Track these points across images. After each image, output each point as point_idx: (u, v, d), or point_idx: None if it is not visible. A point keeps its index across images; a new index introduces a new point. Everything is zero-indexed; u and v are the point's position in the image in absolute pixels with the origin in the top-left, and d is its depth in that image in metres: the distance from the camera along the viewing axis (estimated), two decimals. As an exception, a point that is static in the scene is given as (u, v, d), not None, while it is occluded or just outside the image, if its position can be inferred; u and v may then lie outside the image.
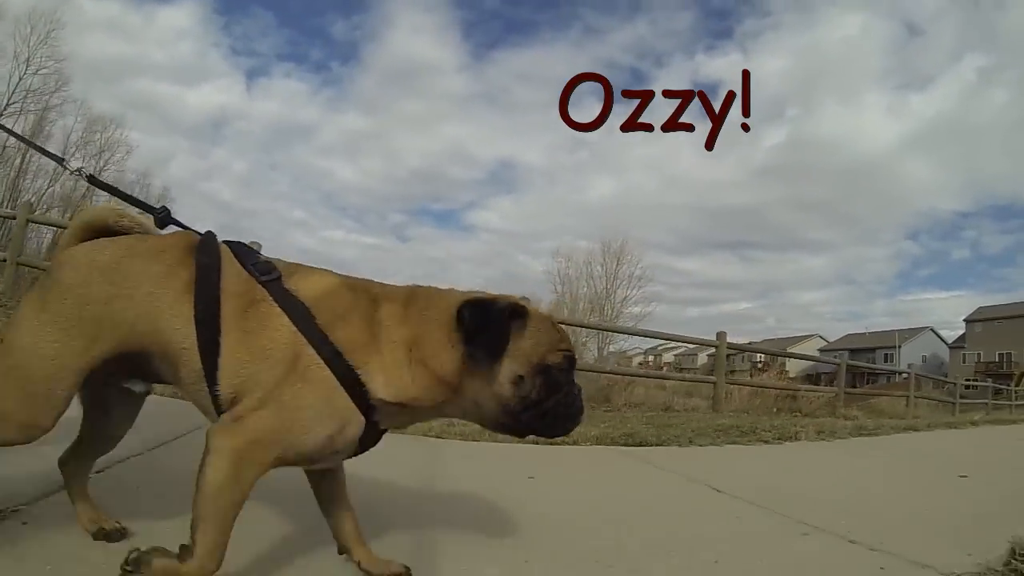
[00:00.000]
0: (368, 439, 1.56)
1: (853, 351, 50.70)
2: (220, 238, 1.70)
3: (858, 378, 39.51)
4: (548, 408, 1.52)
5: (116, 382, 1.68)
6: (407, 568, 1.74)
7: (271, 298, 1.55)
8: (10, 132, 2.35)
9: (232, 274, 1.58)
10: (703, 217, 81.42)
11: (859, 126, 78.42)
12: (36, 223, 10.29)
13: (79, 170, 1.90)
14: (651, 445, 4.48)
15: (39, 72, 25.75)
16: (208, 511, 1.38)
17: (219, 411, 1.49)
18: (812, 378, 47.44)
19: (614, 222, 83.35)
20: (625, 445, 4.41)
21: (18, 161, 25.09)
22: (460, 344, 1.50)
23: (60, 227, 8.38)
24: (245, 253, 1.65)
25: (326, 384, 1.47)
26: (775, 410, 9.37)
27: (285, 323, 1.50)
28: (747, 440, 4.95)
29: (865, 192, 77.09)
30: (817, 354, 44.23)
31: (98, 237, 1.68)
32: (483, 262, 63.20)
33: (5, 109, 24.45)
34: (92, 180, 1.93)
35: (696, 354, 66.15)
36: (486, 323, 1.51)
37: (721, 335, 9.50)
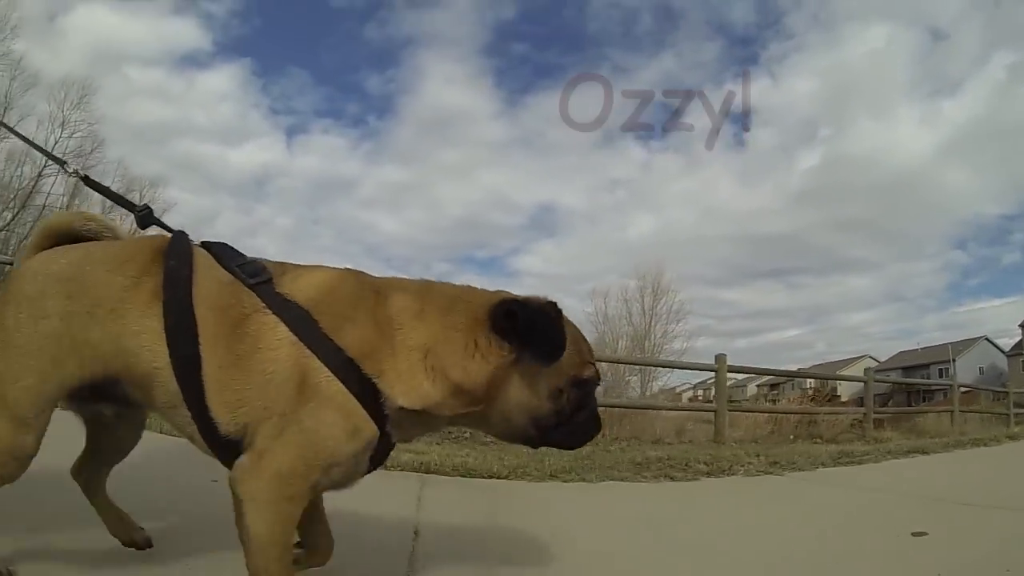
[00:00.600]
0: (380, 454, 1.42)
1: (906, 369, 48.26)
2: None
3: (913, 396, 37.40)
4: (578, 423, 1.44)
5: (88, 405, 1.54)
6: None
7: (263, 305, 1.37)
8: (12, 131, 2.53)
9: (211, 279, 1.41)
10: (744, 246, 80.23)
11: (893, 139, 76.53)
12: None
13: (75, 171, 1.86)
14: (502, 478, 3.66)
15: (74, 136, 27.16)
16: (262, 564, 1.29)
17: (211, 440, 1.37)
18: (860, 403, 45.43)
19: (655, 258, 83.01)
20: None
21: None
22: (494, 352, 1.36)
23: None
24: (229, 255, 1.45)
25: (342, 399, 1.32)
26: (791, 437, 8.52)
27: (283, 334, 1.34)
28: (679, 474, 4.16)
29: (906, 206, 74.82)
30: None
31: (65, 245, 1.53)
32: None
33: (43, 170, 25.79)
34: (87, 181, 1.83)
35: (746, 385, 64.43)
36: (540, 326, 1.37)
37: (720, 358, 8.60)
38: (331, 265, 1.52)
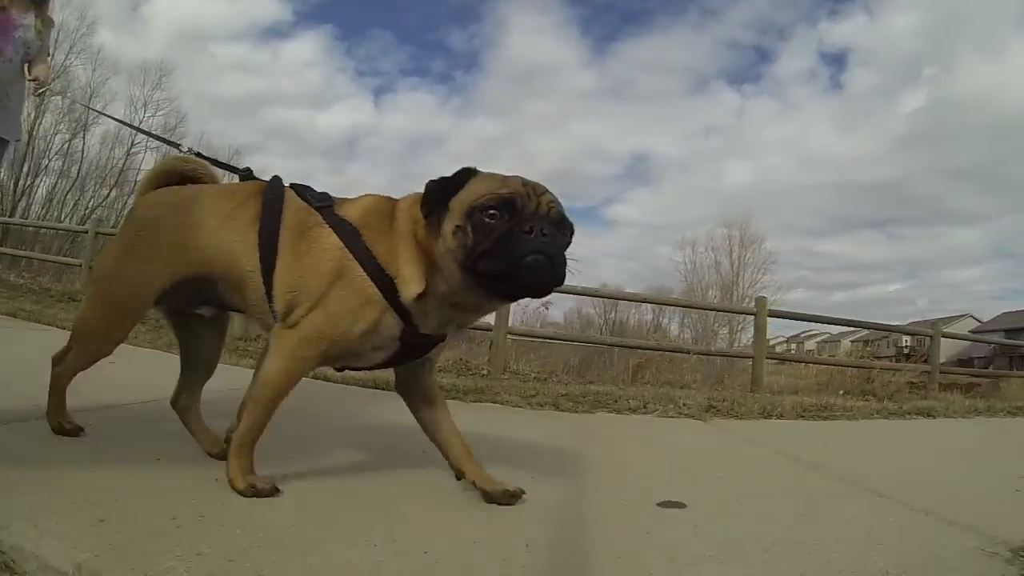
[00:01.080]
0: (412, 341, 1.74)
1: (1009, 331, 44.24)
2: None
3: (1016, 361, 34.55)
4: (486, 250, 1.54)
5: (189, 308, 1.97)
6: (521, 489, 1.85)
7: (323, 221, 1.75)
8: (121, 122, 3.86)
9: (292, 207, 1.81)
10: (844, 195, 76.48)
11: (1005, 77, 69.72)
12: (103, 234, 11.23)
13: (189, 149, 2.26)
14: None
15: (156, 114, 29.07)
16: (260, 394, 1.68)
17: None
18: (965, 362, 42.38)
19: (744, 206, 79.62)
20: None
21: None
22: (422, 225, 1.67)
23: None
24: (305, 189, 1.86)
25: (364, 291, 1.66)
26: (841, 392, 7.82)
27: (334, 242, 1.71)
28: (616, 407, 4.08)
29: (1019, 151, 68.18)
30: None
31: (169, 184, 2.01)
32: (625, 256, 62.46)
33: (131, 149, 28.12)
34: (199, 156, 2.20)
35: (839, 340, 61.29)
36: (434, 187, 1.66)
37: (760, 301, 8.08)
38: (373, 194, 1.88)
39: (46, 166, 26.45)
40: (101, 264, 1.92)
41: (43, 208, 26.58)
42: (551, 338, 8.88)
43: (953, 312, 54.10)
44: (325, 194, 1.86)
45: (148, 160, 28.41)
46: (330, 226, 1.74)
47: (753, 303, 8.84)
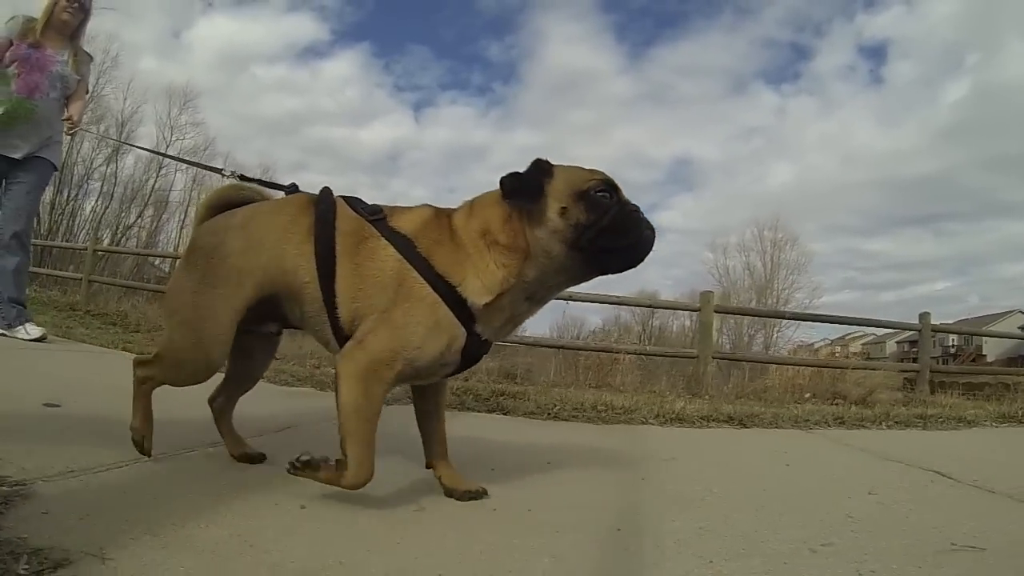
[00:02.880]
0: (472, 351, 1.75)
1: (1060, 326, 42.05)
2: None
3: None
4: (604, 226, 1.62)
5: (255, 328, 1.96)
6: (484, 489, 1.88)
7: (378, 234, 1.76)
8: (168, 156, 3.24)
9: (345, 217, 1.82)
10: (888, 192, 74.02)
11: (1053, 61, 66.23)
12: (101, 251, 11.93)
13: (232, 172, 2.37)
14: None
15: (184, 138, 30.64)
16: (350, 428, 1.61)
17: (339, 339, 1.73)
18: (1014, 360, 40.27)
19: (792, 208, 77.74)
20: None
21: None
22: (514, 212, 1.69)
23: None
24: (356, 202, 1.88)
25: (429, 301, 1.65)
26: (807, 396, 7.25)
27: (391, 253, 1.72)
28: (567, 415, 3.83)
29: (1074, 137, 64.60)
30: (1020, 332, 37.17)
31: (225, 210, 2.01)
32: (670, 263, 61.34)
33: (161, 170, 29.46)
34: (243, 178, 2.29)
35: (884, 341, 59.14)
36: (519, 179, 1.70)
37: (705, 295, 7.86)
38: (426, 204, 1.89)
39: (87, 189, 28.00)
40: (177, 297, 1.87)
41: (88, 228, 28.15)
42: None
43: (1002, 308, 51.65)
44: (377, 206, 1.87)
45: (178, 180, 30.02)
46: (384, 237, 1.75)
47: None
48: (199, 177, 30.52)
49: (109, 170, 28.30)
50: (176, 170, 29.74)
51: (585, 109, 77.32)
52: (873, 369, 8.63)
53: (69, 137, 4.27)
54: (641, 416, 3.90)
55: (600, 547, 1.52)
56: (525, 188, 1.68)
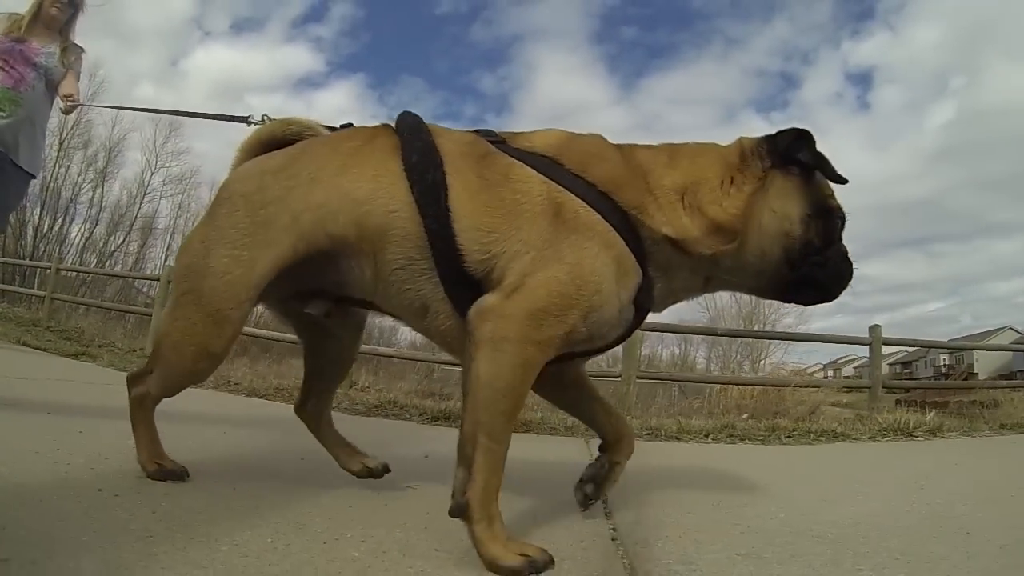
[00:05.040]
0: (641, 308, 1.38)
1: (1050, 341, 42.01)
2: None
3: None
4: (829, 257, 1.41)
5: (294, 307, 1.57)
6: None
7: (503, 152, 1.39)
8: (176, 112, 2.52)
9: (448, 135, 1.42)
10: (879, 216, 75.33)
11: (1036, 81, 67.14)
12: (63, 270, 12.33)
13: (264, 117, 1.90)
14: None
15: (166, 166, 30.33)
16: (484, 419, 1.16)
17: (457, 294, 1.30)
18: (1006, 376, 40.08)
19: None
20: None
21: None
22: (748, 182, 1.37)
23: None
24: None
25: (601, 230, 1.27)
26: (745, 416, 6.84)
27: (530, 173, 1.32)
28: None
29: (1060, 155, 65.31)
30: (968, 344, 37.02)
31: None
32: None
33: (145, 196, 29.52)
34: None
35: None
36: (801, 144, 1.40)
37: None
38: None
39: (74, 212, 28.18)
40: (185, 259, 1.46)
41: (79, 252, 28.26)
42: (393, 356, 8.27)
43: (993, 326, 51.63)
44: (481, 130, 1.52)
45: (163, 207, 30.34)
46: (514, 157, 1.37)
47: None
48: (185, 203, 30.76)
49: (96, 195, 28.48)
50: (161, 196, 29.90)
51: (577, 140, 77.51)
52: (816, 387, 8.32)
53: (66, 114, 4.10)
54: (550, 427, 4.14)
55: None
56: (810, 155, 1.39)
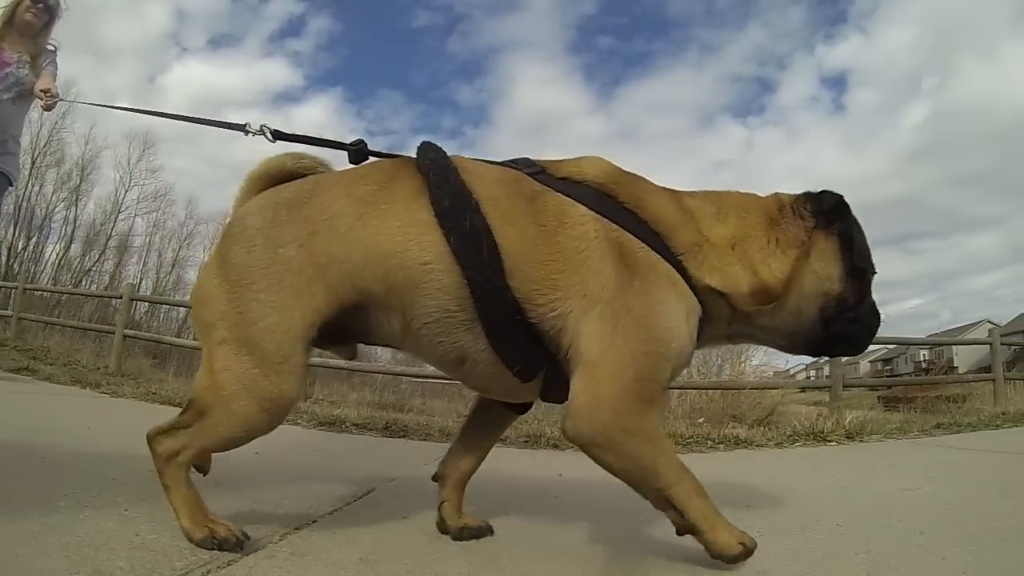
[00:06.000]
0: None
1: (1028, 334, 42.67)
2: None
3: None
4: (861, 313, 1.40)
5: (319, 347, 1.40)
6: (488, 525, 1.54)
7: (547, 189, 1.28)
8: (167, 115, 2.19)
9: (478, 169, 1.31)
10: (857, 216, 74.40)
11: (1005, 80, 68.82)
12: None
13: (262, 128, 1.76)
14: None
15: (139, 184, 30.60)
16: (662, 484, 1.15)
17: (505, 334, 1.22)
18: (986, 370, 40.18)
19: None
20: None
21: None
22: (793, 244, 1.35)
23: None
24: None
25: (663, 271, 1.22)
26: (700, 421, 6.51)
27: (584, 212, 1.24)
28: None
29: (1028, 151, 66.67)
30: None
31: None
32: None
33: (118, 215, 29.56)
34: (277, 134, 1.75)
35: (859, 362, 59.20)
36: (843, 211, 1.39)
37: None
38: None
39: (48, 231, 27.95)
40: (213, 310, 1.29)
41: (54, 271, 27.99)
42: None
43: (971, 320, 52.37)
44: (518, 160, 1.40)
45: (138, 225, 30.12)
46: (562, 193, 1.28)
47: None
48: (160, 220, 30.59)
49: (70, 214, 28.26)
50: (136, 214, 29.86)
51: (556, 149, 77.62)
52: (773, 388, 8.13)
53: (47, 111, 3.89)
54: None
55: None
56: (847, 224, 1.40)
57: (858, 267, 1.39)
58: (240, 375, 1.21)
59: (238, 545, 1.27)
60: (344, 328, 1.31)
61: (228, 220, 1.44)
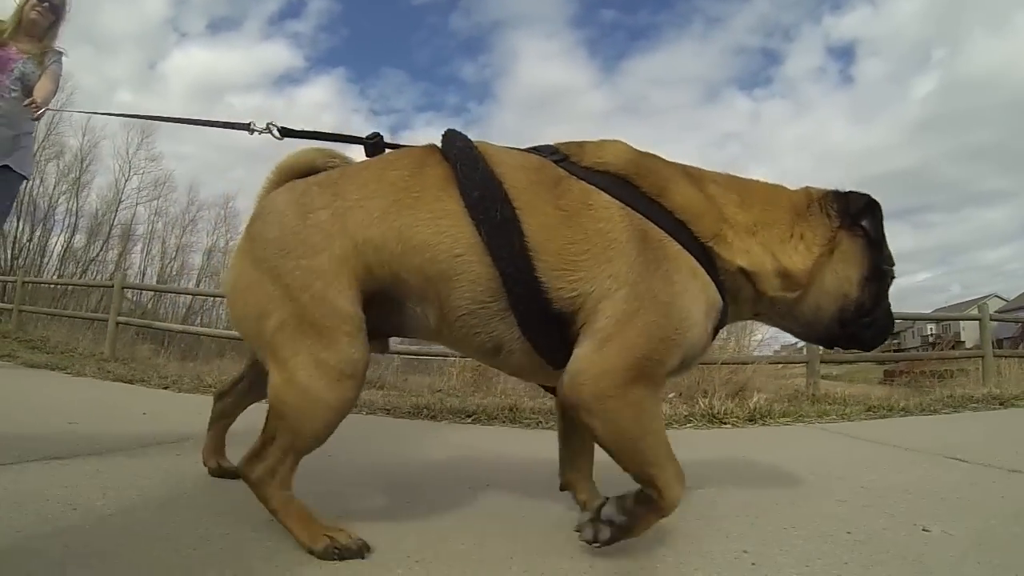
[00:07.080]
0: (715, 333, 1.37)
1: (1036, 308, 42.34)
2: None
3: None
4: (877, 317, 1.44)
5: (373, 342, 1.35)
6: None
7: (571, 175, 1.31)
8: (184, 121, 2.10)
9: (504, 155, 1.33)
10: (865, 188, 73.33)
11: (1016, 51, 67.61)
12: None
13: (268, 125, 1.77)
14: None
15: (139, 173, 30.57)
16: (650, 455, 1.18)
17: (536, 322, 1.23)
18: (998, 343, 39.86)
19: None
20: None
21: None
22: (818, 241, 1.37)
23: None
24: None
25: (685, 261, 1.25)
26: (672, 396, 6.28)
27: (607, 200, 1.27)
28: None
29: (1041, 122, 65.60)
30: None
31: None
32: None
33: (120, 204, 29.72)
34: (285, 131, 1.76)
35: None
36: (871, 212, 1.41)
37: None
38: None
39: (52, 223, 28.23)
40: (256, 299, 1.26)
41: (60, 262, 28.32)
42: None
43: (980, 294, 52.01)
44: (540, 147, 1.41)
45: (141, 214, 30.34)
46: (586, 180, 1.29)
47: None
48: (162, 207, 30.81)
49: (72, 205, 28.51)
50: (137, 203, 30.06)
51: (561, 124, 78.40)
52: (745, 363, 7.92)
53: (38, 123, 3.93)
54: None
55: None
56: (875, 225, 1.42)
57: (879, 270, 1.41)
58: (309, 354, 1.18)
59: (361, 552, 1.23)
60: (380, 319, 1.29)
61: (255, 211, 1.41)
